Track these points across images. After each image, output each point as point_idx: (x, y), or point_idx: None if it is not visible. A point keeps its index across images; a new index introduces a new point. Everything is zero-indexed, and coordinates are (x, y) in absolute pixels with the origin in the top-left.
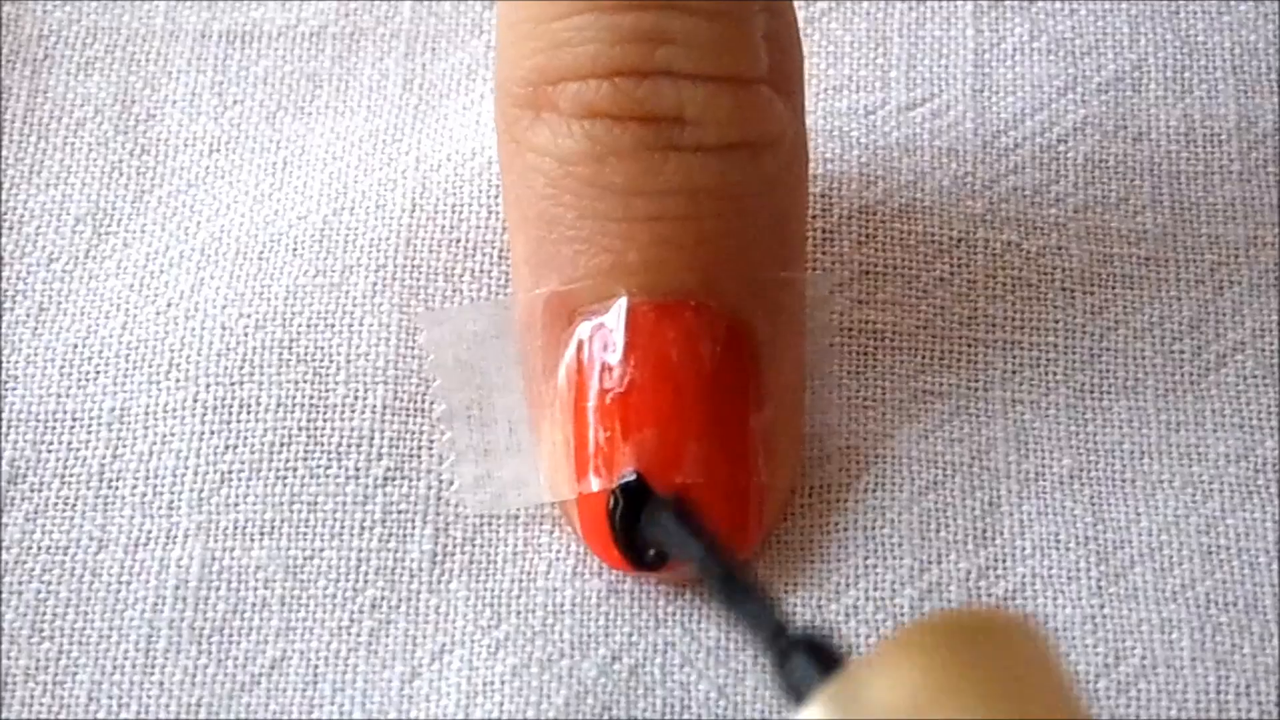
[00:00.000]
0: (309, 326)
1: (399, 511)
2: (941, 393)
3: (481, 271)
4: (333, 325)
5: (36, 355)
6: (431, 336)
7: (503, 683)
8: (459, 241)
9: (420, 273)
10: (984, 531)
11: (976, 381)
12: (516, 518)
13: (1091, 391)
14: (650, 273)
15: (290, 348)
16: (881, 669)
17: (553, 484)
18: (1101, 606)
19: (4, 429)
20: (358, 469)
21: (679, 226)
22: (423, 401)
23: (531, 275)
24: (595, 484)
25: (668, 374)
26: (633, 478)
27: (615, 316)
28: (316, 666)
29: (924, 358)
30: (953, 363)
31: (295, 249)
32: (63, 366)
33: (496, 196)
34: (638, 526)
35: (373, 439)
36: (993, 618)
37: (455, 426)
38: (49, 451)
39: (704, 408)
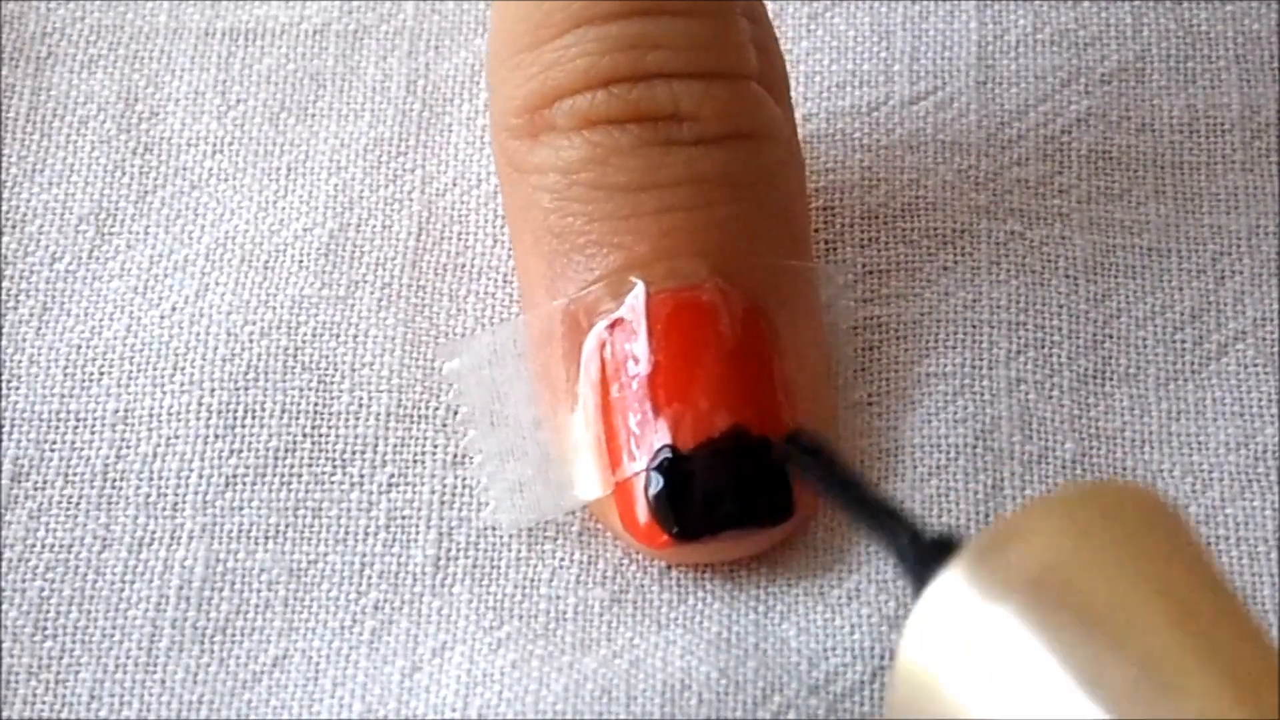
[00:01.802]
0: (314, 336)
1: (403, 517)
2: (945, 374)
3: (486, 294)
4: (338, 335)
5: (40, 355)
6: (451, 367)
7: (502, 674)
8: (464, 267)
9: (426, 293)
10: (987, 516)
11: (981, 361)
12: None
13: (1095, 377)
14: (663, 263)
15: (295, 355)
16: (1027, 530)
17: (587, 484)
18: None
19: (7, 428)
20: (362, 475)
21: (687, 216)
22: (426, 409)
23: (547, 294)
24: (631, 468)
25: (691, 350)
26: (668, 455)
27: (633, 306)
28: (318, 664)
29: (927, 342)
30: (957, 344)
31: (301, 261)
32: (66, 367)
33: (502, 226)
34: (685, 500)
35: (377, 446)
36: (1137, 490)
37: (485, 448)
38: (52, 450)
39: (730, 380)
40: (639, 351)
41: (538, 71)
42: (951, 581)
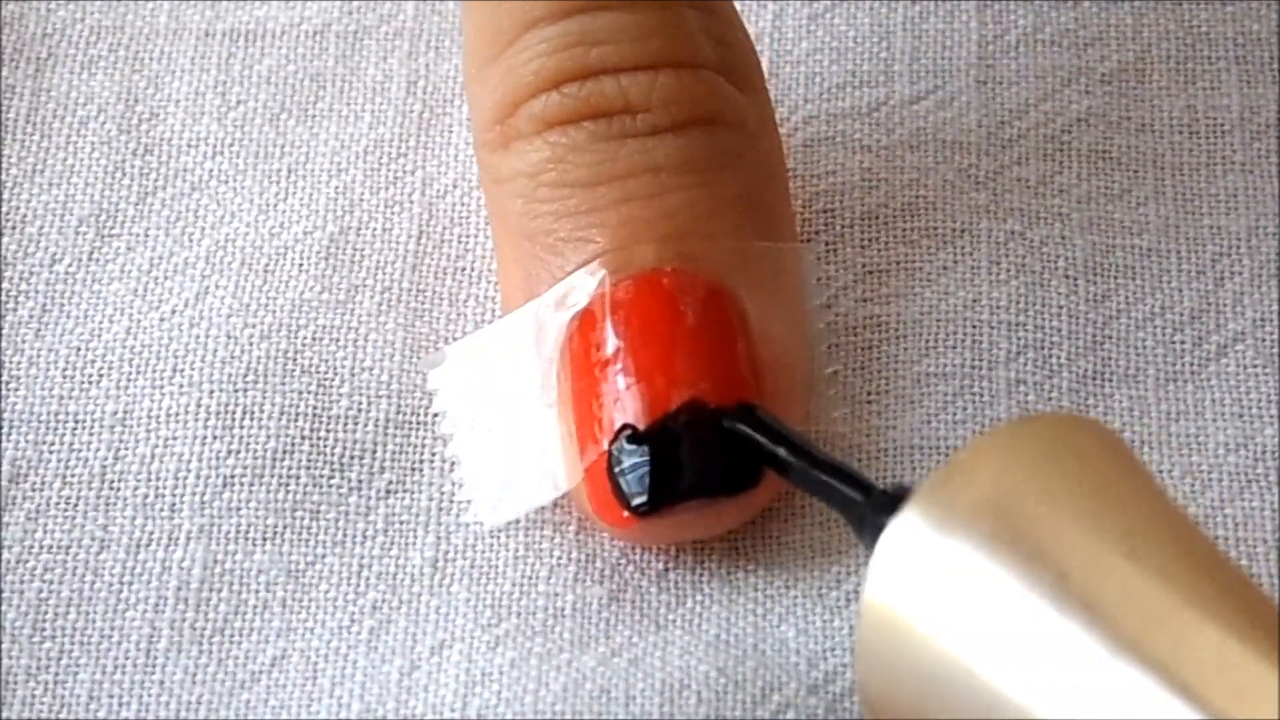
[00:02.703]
0: (314, 340)
1: (401, 522)
2: (945, 374)
3: (487, 298)
4: (338, 340)
5: (39, 356)
6: (435, 374)
7: (501, 673)
8: (464, 270)
9: (426, 297)
10: None
11: (980, 362)
12: (518, 522)
13: (1094, 378)
14: (624, 252)
15: (295, 359)
16: (977, 466)
17: (561, 474)
18: None
19: (6, 429)
20: (360, 480)
21: (644, 205)
22: (426, 416)
23: (525, 298)
24: (595, 452)
25: (650, 331)
26: (627, 433)
27: (597, 296)
28: (316, 663)
29: (927, 342)
30: (956, 344)
31: (301, 264)
32: (65, 369)
33: None
34: (644, 475)
35: (375, 451)
36: (1080, 420)
37: (467, 451)
38: (51, 452)
39: (690, 358)
40: (603, 339)
41: (499, 82)
42: (907, 521)
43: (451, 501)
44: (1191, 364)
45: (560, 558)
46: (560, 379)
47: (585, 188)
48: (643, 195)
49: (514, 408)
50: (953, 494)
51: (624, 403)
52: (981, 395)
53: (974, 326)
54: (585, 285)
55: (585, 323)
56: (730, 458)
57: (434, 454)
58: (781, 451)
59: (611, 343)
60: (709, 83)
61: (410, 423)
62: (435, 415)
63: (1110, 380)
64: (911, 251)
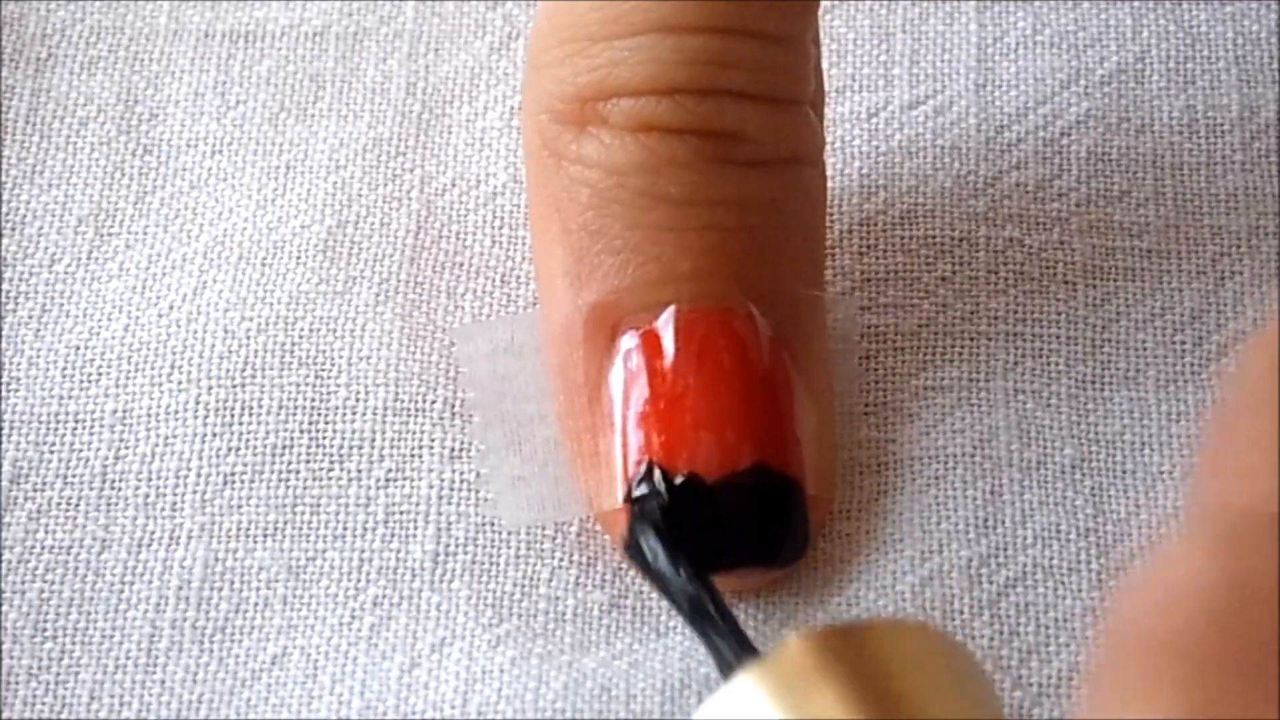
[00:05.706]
0: (311, 331)
1: (401, 512)
2: (943, 387)
3: (484, 293)
4: (335, 330)
5: (39, 356)
6: (465, 351)
7: (501, 671)
8: (462, 265)
9: (423, 289)
10: (985, 520)
11: (978, 374)
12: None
13: (1093, 382)
14: (699, 282)
15: (292, 351)
16: (804, 670)
17: (595, 496)
18: (1102, 600)
19: (6, 429)
20: (360, 471)
21: (729, 237)
22: (424, 403)
23: (570, 288)
24: (647, 488)
25: (722, 378)
26: (693, 484)
27: (666, 324)
28: (316, 661)
29: (925, 355)
30: (954, 357)
31: (299, 257)
32: (65, 368)
33: (501, 226)
34: (704, 532)
35: (374, 440)
36: (901, 625)
37: (489, 439)
38: (51, 452)
39: (757, 412)
40: (667, 371)
41: (602, 64)
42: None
43: (452, 490)
44: (1192, 364)
45: (562, 560)
46: (608, 394)
47: (674, 204)
48: (730, 227)
49: (544, 406)
50: (782, 684)
51: (689, 448)
52: (980, 405)
53: (971, 339)
54: (649, 302)
55: (650, 347)
56: (790, 526)
57: (433, 440)
58: (684, 578)
59: (680, 377)
60: (810, 122)
61: (409, 410)
62: (459, 391)
63: (1110, 383)
64: (909, 260)
